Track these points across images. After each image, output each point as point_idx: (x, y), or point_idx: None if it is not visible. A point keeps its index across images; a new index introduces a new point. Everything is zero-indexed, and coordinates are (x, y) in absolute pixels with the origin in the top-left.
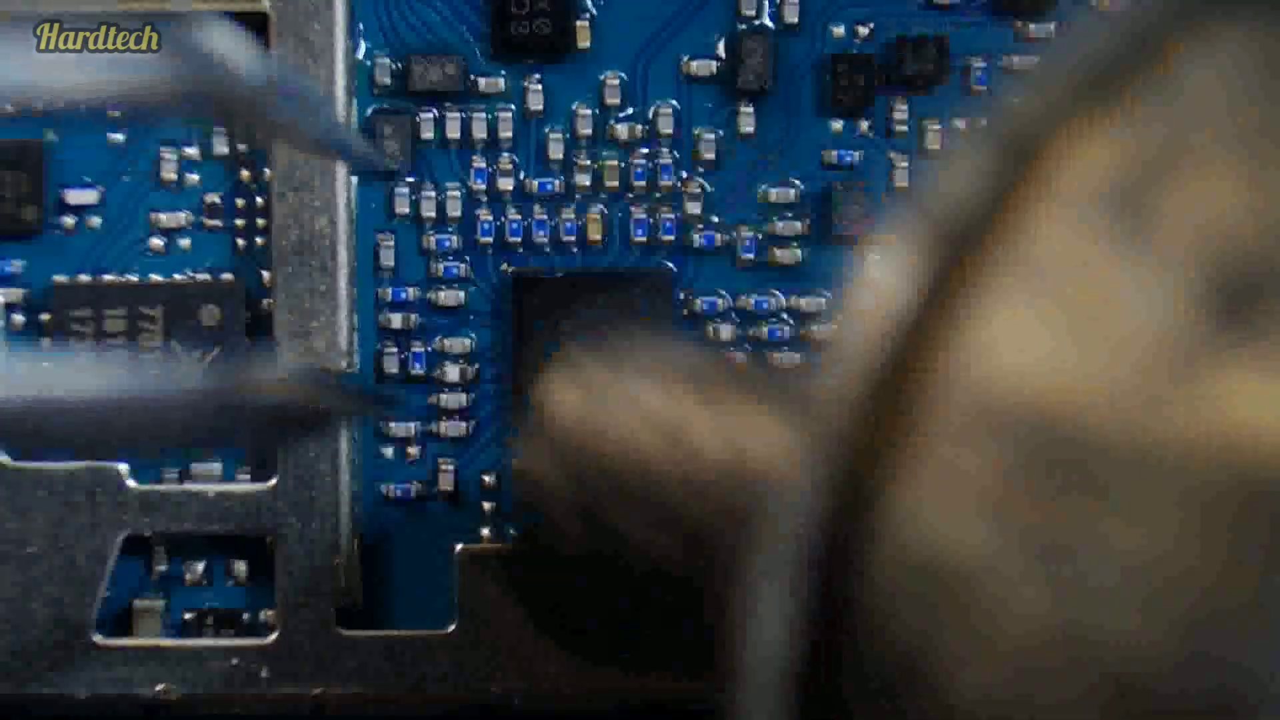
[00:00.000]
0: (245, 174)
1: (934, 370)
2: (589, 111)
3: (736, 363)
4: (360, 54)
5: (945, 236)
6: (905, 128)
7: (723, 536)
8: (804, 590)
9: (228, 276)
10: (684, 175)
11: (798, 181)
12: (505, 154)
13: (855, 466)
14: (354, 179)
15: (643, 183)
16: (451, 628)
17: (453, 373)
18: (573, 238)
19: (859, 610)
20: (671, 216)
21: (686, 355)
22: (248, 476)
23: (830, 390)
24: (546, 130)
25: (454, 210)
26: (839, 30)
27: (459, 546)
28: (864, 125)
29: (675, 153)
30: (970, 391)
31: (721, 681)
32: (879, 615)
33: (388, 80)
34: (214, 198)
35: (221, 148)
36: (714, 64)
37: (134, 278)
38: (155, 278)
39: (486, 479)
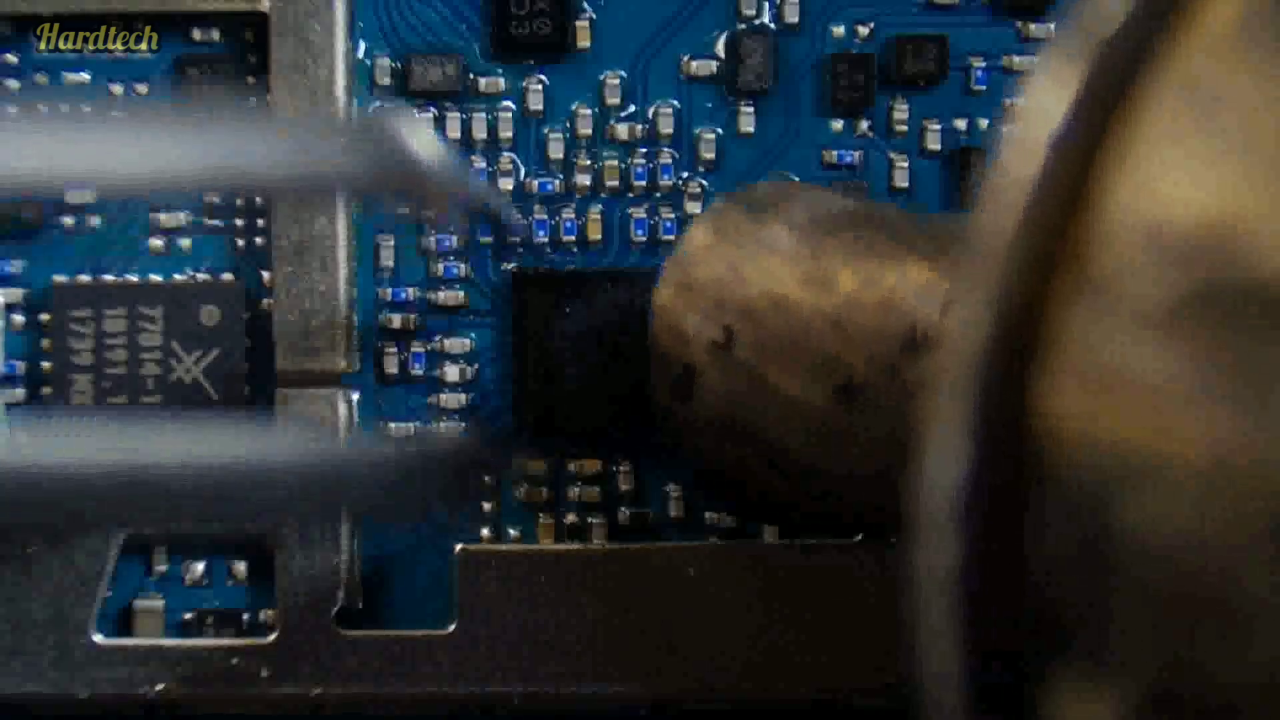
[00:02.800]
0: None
1: (1098, 194)
2: (589, 111)
3: (882, 207)
4: (360, 54)
5: (1104, 59)
6: (905, 128)
7: (871, 377)
8: (977, 422)
9: (228, 276)
10: (684, 175)
11: (798, 181)
12: (505, 154)
13: (1021, 291)
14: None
15: (643, 183)
16: (451, 628)
17: (453, 373)
18: (573, 238)
19: (1033, 439)
20: (671, 216)
21: (831, 202)
22: None
23: (991, 216)
24: (546, 130)
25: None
26: (839, 30)
27: (459, 546)
28: (864, 125)
29: (675, 153)
30: (1136, 217)
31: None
32: (1054, 443)
33: (388, 80)
34: (214, 198)
35: None
36: (714, 64)
37: (134, 278)
38: (155, 278)
39: (486, 479)
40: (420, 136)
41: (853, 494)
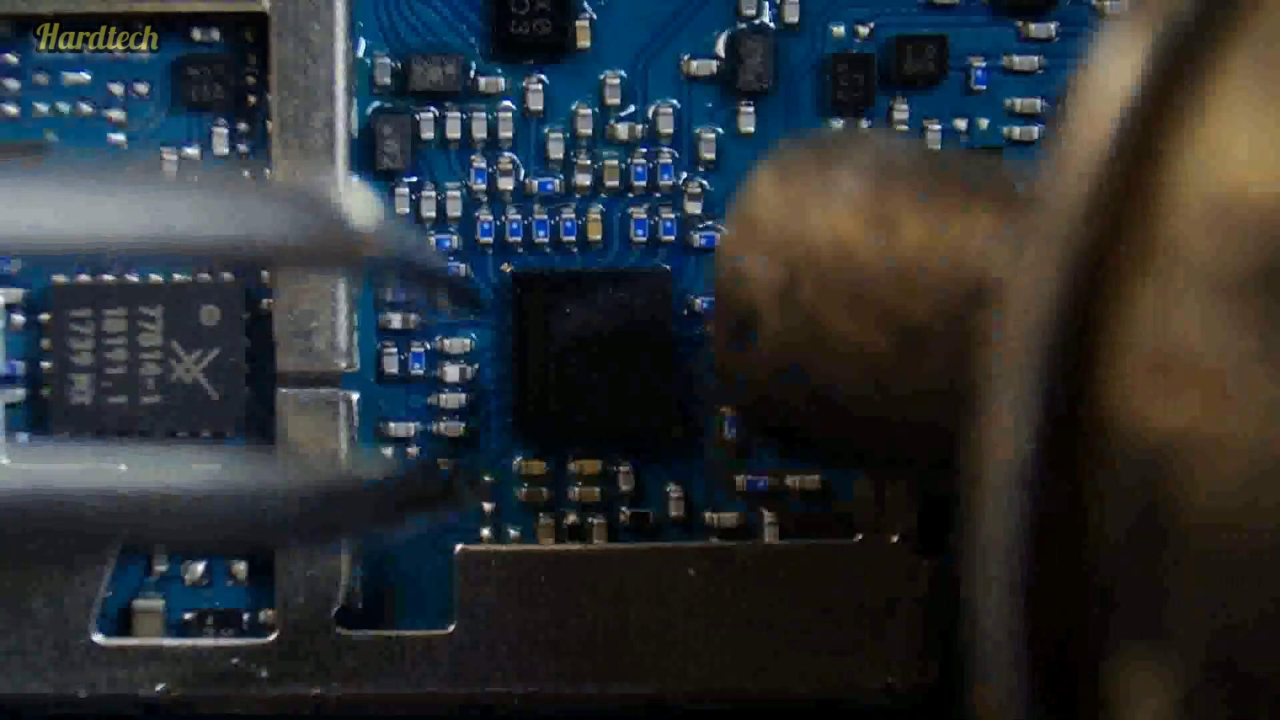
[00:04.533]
0: (245, 174)
1: (1166, 164)
2: (589, 111)
3: (949, 154)
4: (360, 54)
5: (1174, 27)
6: (905, 128)
7: (934, 327)
8: (1040, 391)
9: (228, 276)
10: (684, 175)
11: None
12: (505, 154)
13: (1089, 261)
14: (354, 179)
15: (643, 183)
16: (451, 628)
17: (453, 373)
18: (573, 238)
19: (1095, 408)
20: (671, 216)
21: (898, 148)
22: None
23: (1059, 184)
24: (546, 130)
25: (454, 210)
26: (839, 30)
27: (459, 546)
28: (864, 125)
29: (675, 153)
30: (1207, 187)
31: (956, 480)
32: (1115, 412)
33: (388, 80)
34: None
35: (221, 147)
36: (714, 64)
37: (134, 278)
38: (155, 278)
39: (486, 479)
40: (361, 206)
41: (906, 440)
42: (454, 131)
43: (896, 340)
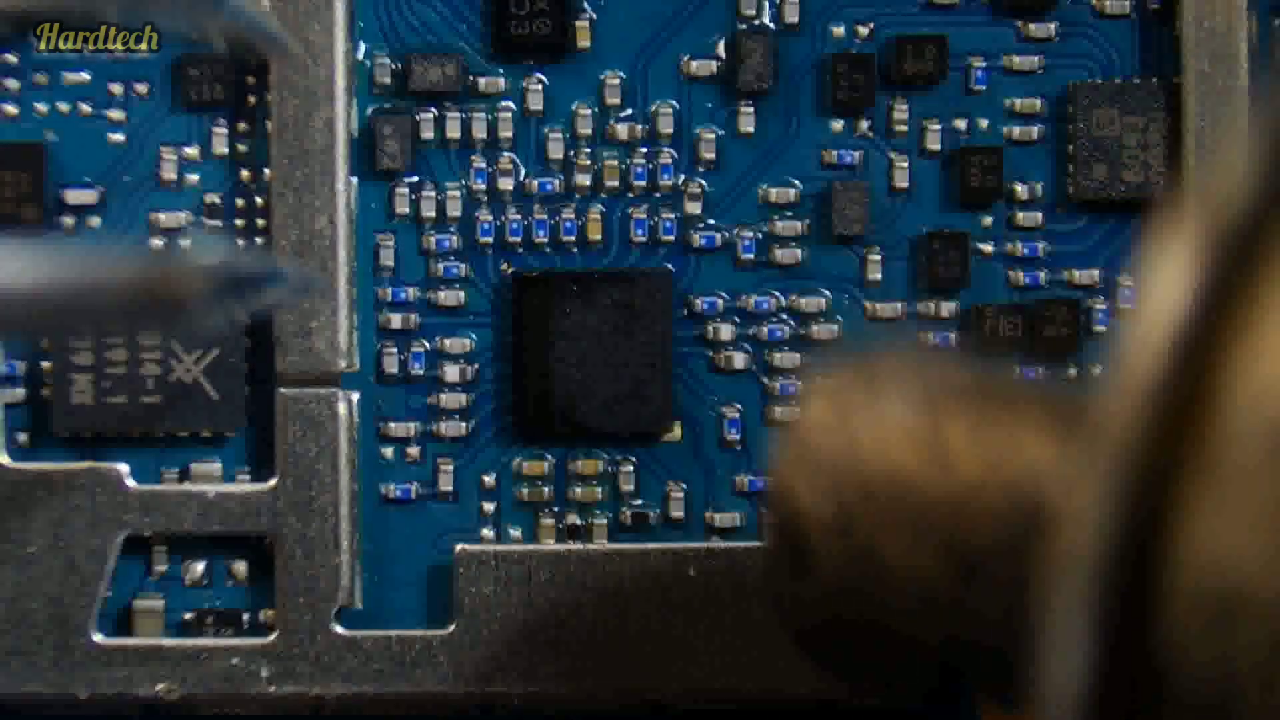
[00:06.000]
0: (245, 174)
1: (1224, 385)
2: (589, 111)
3: (999, 376)
4: (360, 54)
5: (1228, 245)
6: (905, 128)
7: (993, 557)
8: (1100, 617)
9: None
10: (684, 175)
11: (798, 181)
12: (505, 154)
13: (1146, 486)
14: (354, 179)
15: (643, 183)
16: (451, 628)
17: (453, 373)
18: (573, 238)
19: (1156, 638)
20: (671, 216)
21: (946, 369)
22: (247, 477)
23: (1114, 406)
24: (546, 130)
25: (454, 210)
26: (839, 30)
27: (459, 546)
28: (864, 125)
29: (675, 153)
30: (1263, 408)
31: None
32: (1177, 644)
33: (388, 80)
34: (214, 198)
35: (221, 148)
36: (714, 64)
37: None
38: None
39: (486, 479)
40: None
41: (965, 665)
42: (454, 131)
43: (954, 571)
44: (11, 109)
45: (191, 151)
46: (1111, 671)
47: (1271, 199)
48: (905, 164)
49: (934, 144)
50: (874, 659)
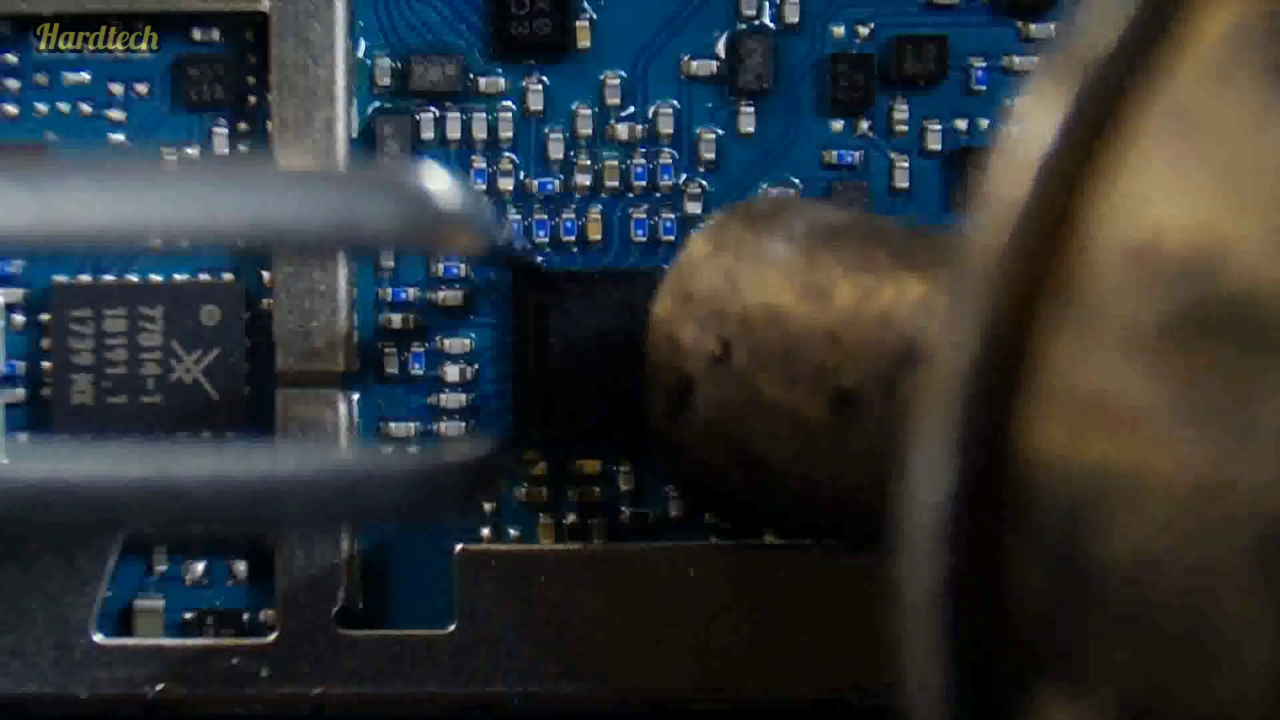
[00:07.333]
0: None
1: (1085, 217)
2: (589, 111)
3: (881, 221)
4: (360, 54)
5: (1093, 83)
6: (905, 128)
7: (866, 389)
8: (960, 444)
9: (228, 276)
10: (684, 175)
11: (798, 181)
12: (505, 154)
13: (1008, 315)
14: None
15: (643, 183)
16: (451, 628)
17: (453, 373)
18: (573, 238)
19: (1015, 461)
20: (671, 216)
21: (830, 215)
22: None
23: (978, 239)
24: (546, 130)
25: None
26: (839, 30)
27: (459, 546)
28: (864, 125)
29: (675, 153)
30: (1123, 239)
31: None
32: (1035, 465)
33: (388, 80)
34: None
35: (221, 147)
36: (714, 64)
37: (134, 278)
38: (155, 278)
39: (494, 487)
40: (439, 183)
41: (842, 506)
42: (454, 131)
43: (829, 406)
44: (11, 109)
45: (191, 151)
46: (973, 482)
47: (1138, 32)
48: (905, 164)
49: (934, 144)
50: (755, 502)
